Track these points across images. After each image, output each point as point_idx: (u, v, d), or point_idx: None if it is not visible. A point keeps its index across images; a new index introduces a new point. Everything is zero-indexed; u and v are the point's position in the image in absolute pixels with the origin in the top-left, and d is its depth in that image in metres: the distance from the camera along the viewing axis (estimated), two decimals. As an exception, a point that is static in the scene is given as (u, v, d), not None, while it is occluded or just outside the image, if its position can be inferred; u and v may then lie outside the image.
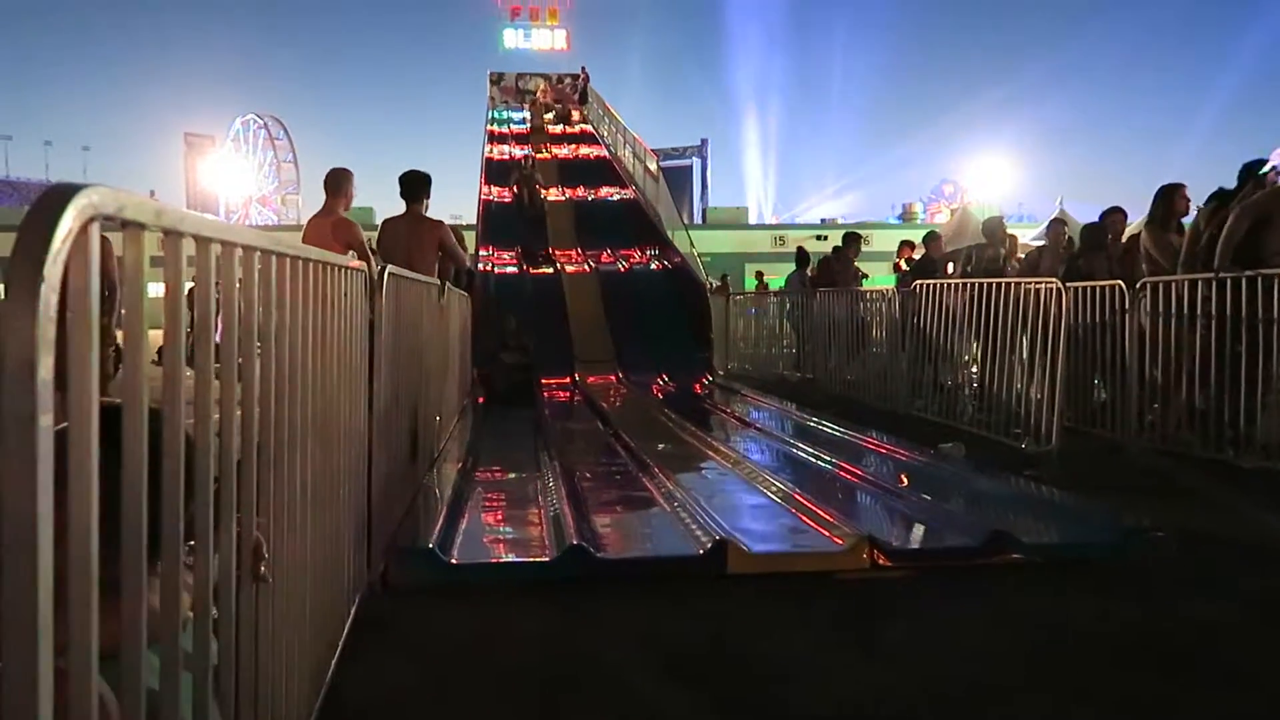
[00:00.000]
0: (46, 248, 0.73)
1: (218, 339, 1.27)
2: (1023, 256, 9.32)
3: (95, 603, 0.82)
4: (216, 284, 1.26)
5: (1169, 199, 6.50)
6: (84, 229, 0.79)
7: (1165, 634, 2.96)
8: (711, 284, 15.99)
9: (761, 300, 14.62)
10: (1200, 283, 5.64)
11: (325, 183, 5.63)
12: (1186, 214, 6.56)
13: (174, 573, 1.05)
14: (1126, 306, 6.06)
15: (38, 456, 0.71)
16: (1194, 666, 2.71)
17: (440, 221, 6.43)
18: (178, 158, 47.74)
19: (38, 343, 0.70)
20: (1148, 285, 6.04)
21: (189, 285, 1.16)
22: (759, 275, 21.18)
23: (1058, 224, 9.01)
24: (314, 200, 5.63)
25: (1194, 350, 5.62)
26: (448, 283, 6.31)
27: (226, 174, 47.81)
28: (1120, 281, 6.20)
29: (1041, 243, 9.59)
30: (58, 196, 0.77)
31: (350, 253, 4.92)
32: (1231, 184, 6.12)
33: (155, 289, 1.06)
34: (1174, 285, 5.83)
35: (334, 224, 5.40)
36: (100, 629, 0.84)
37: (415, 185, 6.34)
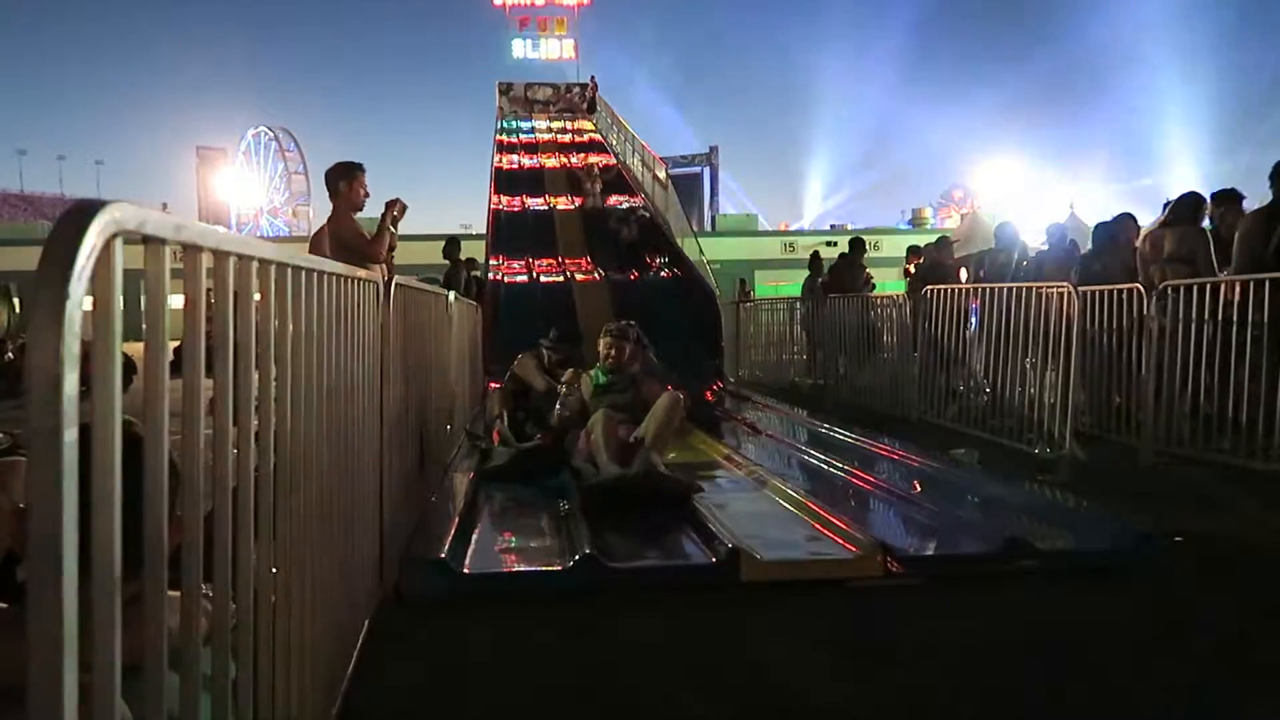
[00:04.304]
0: (72, 264, 0.73)
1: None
2: (1024, 264, 9.19)
3: (119, 618, 0.83)
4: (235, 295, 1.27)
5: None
6: (108, 245, 0.80)
7: (1183, 641, 2.94)
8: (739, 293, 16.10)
9: (773, 307, 14.59)
10: (1222, 286, 5.59)
11: None
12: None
13: (194, 590, 1.05)
14: (1144, 310, 6.01)
15: (63, 471, 0.71)
16: (1215, 674, 2.68)
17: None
18: (190, 170, 48.10)
19: (63, 358, 0.71)
20: (1168, 288, 5.99)
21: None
22: (741, 283, 20.98)
23: (1058, 228, 8.83)
24: (325, 211, 5.59)
25: (1213, 353, 5.57)
26: (455, 292, 6.30)
27: (238, 186, 48.12)
28: (1138, 284, 6.15)
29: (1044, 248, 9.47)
30: (82, 213, 0.78)
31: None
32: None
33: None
34: (1194, 288, 5.77)
35: (317, 234, 5.35)
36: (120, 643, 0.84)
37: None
